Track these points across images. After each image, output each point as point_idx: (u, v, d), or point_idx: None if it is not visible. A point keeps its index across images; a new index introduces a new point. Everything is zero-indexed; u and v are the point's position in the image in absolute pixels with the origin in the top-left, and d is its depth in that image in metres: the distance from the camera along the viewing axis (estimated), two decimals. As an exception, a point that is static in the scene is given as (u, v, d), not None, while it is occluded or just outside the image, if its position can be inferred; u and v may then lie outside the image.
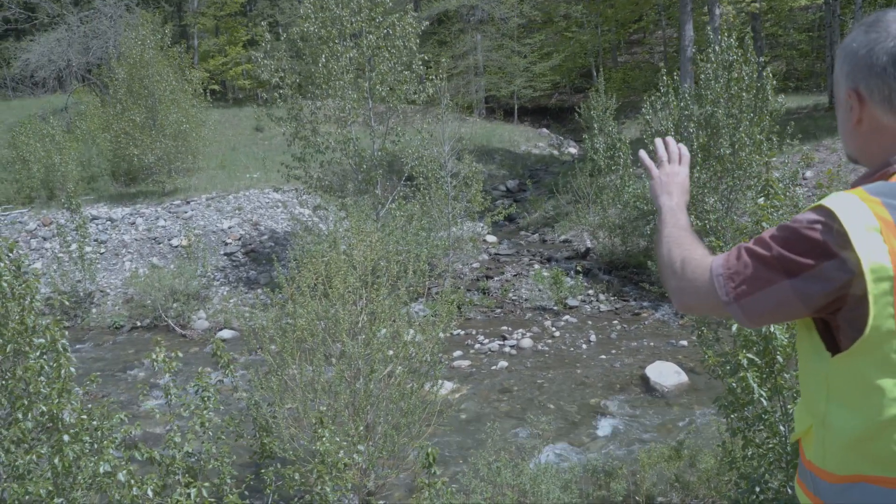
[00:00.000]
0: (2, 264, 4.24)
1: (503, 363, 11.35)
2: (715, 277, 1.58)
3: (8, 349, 4.43)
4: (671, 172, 1.98)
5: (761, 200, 4.76)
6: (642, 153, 2.04)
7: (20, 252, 4.74)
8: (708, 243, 11.59)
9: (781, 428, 4.47)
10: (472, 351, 11.99)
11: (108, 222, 17.29)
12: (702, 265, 1.65)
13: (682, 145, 2.03)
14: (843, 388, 1.49)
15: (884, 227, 1.41)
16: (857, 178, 1.62)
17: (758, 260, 1.52)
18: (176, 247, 16.32)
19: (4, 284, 4.13)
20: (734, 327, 4.44)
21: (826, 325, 1.52)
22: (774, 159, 12.19)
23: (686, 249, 1.73)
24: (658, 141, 2.03)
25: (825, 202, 1.47)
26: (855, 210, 1.44)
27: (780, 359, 4.34)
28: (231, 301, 14.57)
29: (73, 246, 14.71)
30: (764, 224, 4.51)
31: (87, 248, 15.06)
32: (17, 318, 4.38)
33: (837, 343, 1.49)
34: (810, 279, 1.45)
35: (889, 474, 1.45)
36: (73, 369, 4.52)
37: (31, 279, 4.59)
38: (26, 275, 4.53)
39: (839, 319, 1.48)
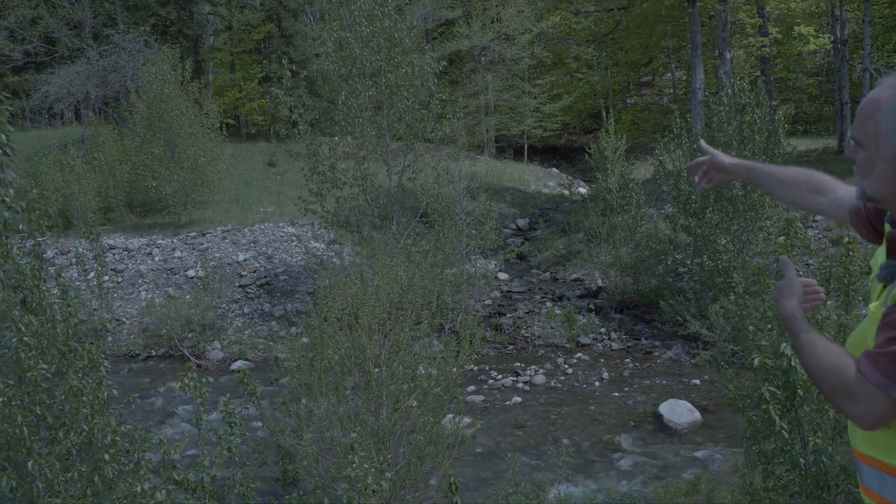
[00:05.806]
0: (56, 290, 4.40)
1: (517, 398, 11.44)
2: None
3: (52, 370, 4.58)
4: (796, 280, 2.02)
5: (781, 239, 4.90)
6: (784, 258, 2.09)
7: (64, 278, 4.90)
8: (721, 282, 11.63)
9: (802, 461, 4.57)
10: (485, 386, 12.08)
11: (125, 252, 17.50)
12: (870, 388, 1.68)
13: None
14: None
15: None
16: None
17: None
18: (192, 278, 16.50)
19: (56, 307, 4.29)
20: (756, 360, 4.56)
21: None
22: (786, 201, 12.34)
23: (844, 366, 1.75)
24: (783, 258, 2.10)
25: None
26: None
27: (800, 392, 4.47)
28: (246, 332, 14.72)
29: (91, 274, 14.91)
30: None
31: (105, 277, 15.26)
32: (62, 339, 4.53)
33: None
34: None
35: None
36: (115, 391, 4.66)
37: (76, 302, 4.75)
38: (73, 298, 4.70)
39: None
